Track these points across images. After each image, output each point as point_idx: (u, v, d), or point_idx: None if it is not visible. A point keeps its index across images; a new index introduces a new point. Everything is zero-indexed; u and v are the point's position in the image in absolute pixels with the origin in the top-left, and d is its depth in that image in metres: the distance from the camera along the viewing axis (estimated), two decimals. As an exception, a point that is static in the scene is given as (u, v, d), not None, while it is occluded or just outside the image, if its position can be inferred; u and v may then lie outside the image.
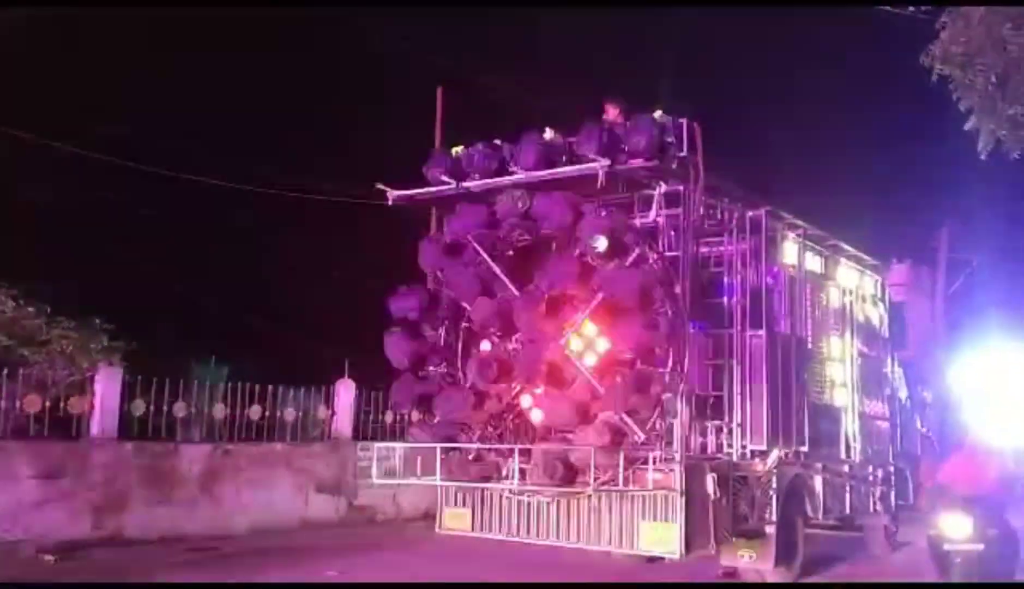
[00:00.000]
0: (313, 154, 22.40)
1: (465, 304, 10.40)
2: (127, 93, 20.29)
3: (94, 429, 12.85)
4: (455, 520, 10.59)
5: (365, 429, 15.96)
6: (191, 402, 13.81)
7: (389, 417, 16.12)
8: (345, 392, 15.79)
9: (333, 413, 15.63)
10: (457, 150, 10.68)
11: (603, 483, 8.92)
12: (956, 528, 9.07)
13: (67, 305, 13.71)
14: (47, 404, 12.51)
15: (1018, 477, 11.23)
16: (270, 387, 14.53)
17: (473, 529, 10.46)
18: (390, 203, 10.76)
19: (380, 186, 10.65)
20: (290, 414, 14.87)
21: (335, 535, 14.05)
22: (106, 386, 12.99)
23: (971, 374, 20.14)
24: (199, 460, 13.54)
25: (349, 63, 23.02)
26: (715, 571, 10.84)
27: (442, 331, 10.73)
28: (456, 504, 10.58)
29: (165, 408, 13.51)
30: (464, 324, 10.70)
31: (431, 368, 10.64)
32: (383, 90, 23.60)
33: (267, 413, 14.61)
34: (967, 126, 9.52)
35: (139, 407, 13.20)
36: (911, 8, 10.50)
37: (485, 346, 10.38)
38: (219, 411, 14.02)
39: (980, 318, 23.73)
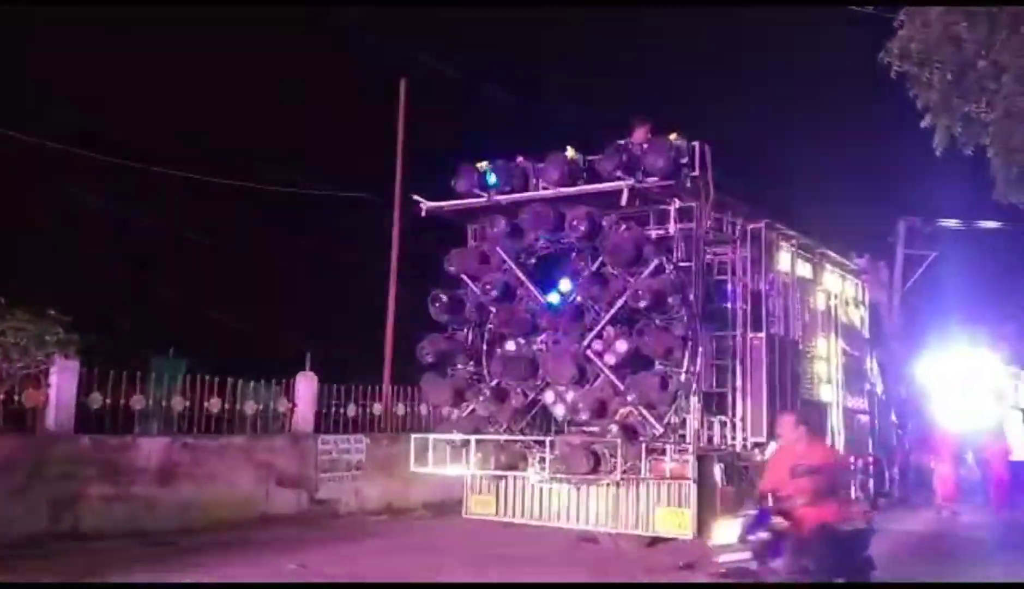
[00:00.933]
0: (274, 147, 22.51)
1: (492, 307, 11.26)
2: (78, 81, 20.28)
3: (49, 422, 12.42)
4: (481, 506, 11.46)
5: (327, 422, 15.54)
6: (149, 395, 13.36)
7: (352, 410, 15.78)
8: (306, 385, 15.37)
9: (294, 406, 15.17)
10: (481, 165, 11.52)
11: (625, 472, 9.85)
12: (721, 534, 8.24)
13: (21, 296, 12.99)
14: (0, 397, 12.09)
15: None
16: (229, 380, 14.05)
17: (497, 514, 11.35)
18: (423, 214, 11.58)
19: (415, 196, 11.46)
20: (250, 407, 14.45)
21: (296, 529, 13.58)
22: (62, 379, 12.55)
23: (930, 368, 21.33)
24: (157, 454, 13.05)
25: (307, 55, 23.42)
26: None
27: (468, 332, 11.57)
28: (482, 491, 11.44)
29: (123, 401, 13.01)
30: (489, 326, 11.55)
31: (459, 367, 11.48)
32: (346, 84, 23.79)
33: (227, 406, 14.11)
34: (923, 123, 9.54)
35: (96, 400, 12.73)
36: (871, 8, 10.32)
37: (510, 346, 11.26)
38: (178, 404, 13.59)
39: (937, 312, 24.90)
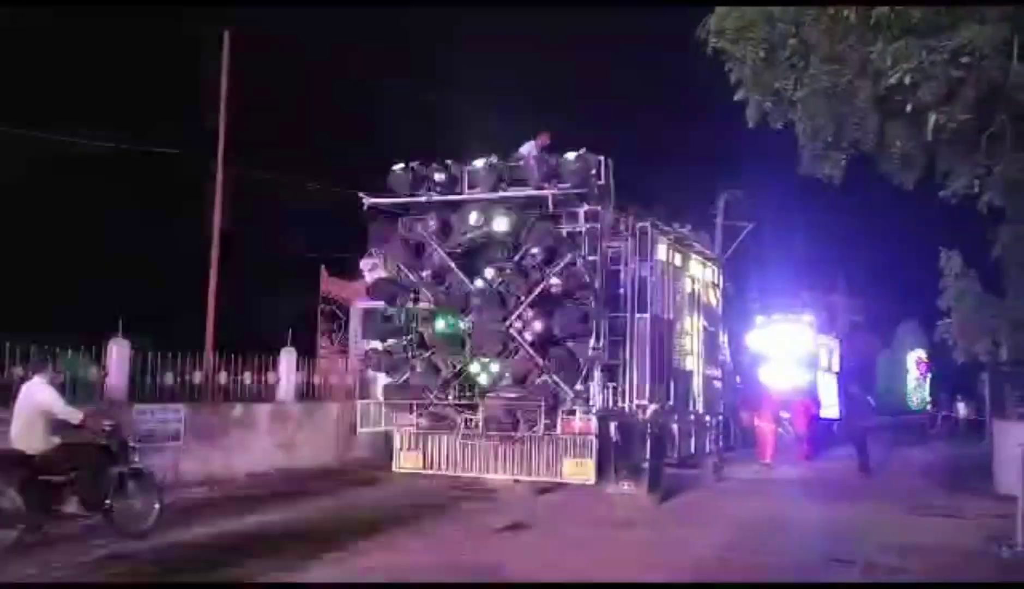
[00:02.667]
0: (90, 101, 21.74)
1: (425, 290, 13.11)
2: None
3: None
4: (410, 461, 13.34)
5: (142, 390, 14.68)
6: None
7: (169, 379, 15.09)
8: (118, 352, 14.44)
9: (106, 374, 14.30)
10: (413, 164, 13.30)
11: (546, 429, 11.98)
12: None
13: None
14: None
15: None
16: (33, 347, 12.46)
17: (424, 467, 13.27)
18: (365, 208, 13.27)
19: (360, 193, 13.13)
20: (57, 375, 13.19)
21: None
22: None
23: (756, 334, 24.48)
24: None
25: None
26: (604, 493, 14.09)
27: (403, 312, 13.37)
28: (410, 448, 13.31)
29: None
30: (420, 306, 13.38)
31: (393, 341, 13.29)
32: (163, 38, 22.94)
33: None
34: (736, 97, 9.84)
35: None
36: None
37: (439, 324, 13.15)
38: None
39: (756, 280, 27.96)
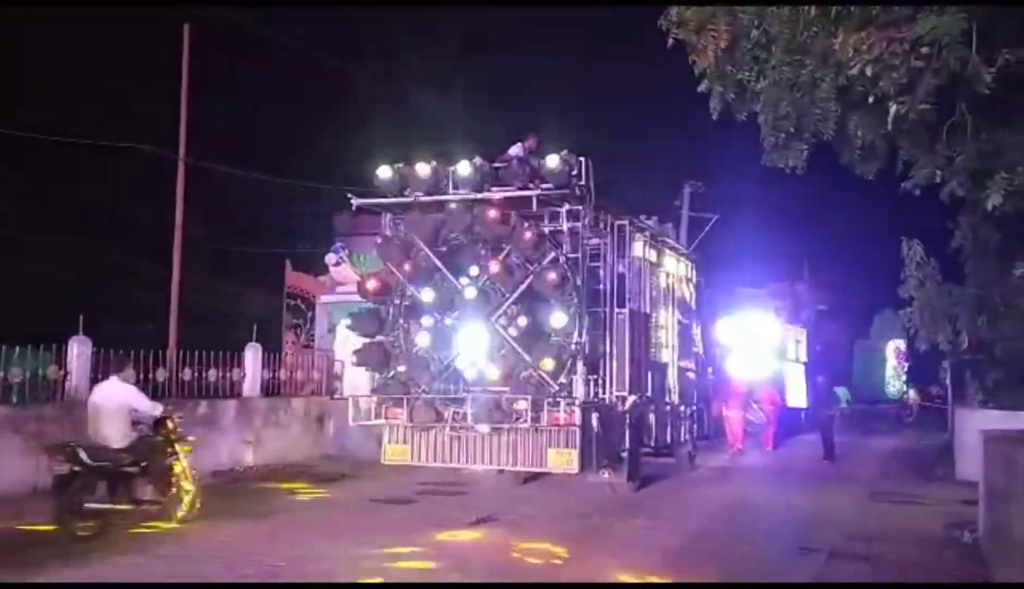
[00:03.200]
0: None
1: (412, 288, 13.52)
2: None
3: None
4: (397, 454, 13.74)
5: None
6: None
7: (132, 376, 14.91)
8: (80, 350, 14.36)
9: (67, 373, 14.13)
10: (398, 166, 13.70)
11: (533, 421, 12.46)
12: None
13: None
14: None
15: None
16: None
17: (412, 459, 13.69)
18: (354, 208, 13.66)
19: (348, 194, 13.52)
20: (16, 375, 13.47)
21: None
22: None
23: (724, 325, 25.11)
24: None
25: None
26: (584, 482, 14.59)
27: (391, 309, 13.77)
28: (398, 441, 13.72)
29: None
30: (407, 303, 13.78)
31: (383, 337, 13.70)
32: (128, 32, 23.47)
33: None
34: (700, 88, 9.75)
35: None
36: None
37: (427, 320, 13.57)
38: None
39: (721, 271, 28.49)
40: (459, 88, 29.02)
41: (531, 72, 32.07)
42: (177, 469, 11.27)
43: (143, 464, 10.93)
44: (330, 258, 21.65)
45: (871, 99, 8.75)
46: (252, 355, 17.80)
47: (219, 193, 23.14)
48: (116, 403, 11.00)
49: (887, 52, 8.34)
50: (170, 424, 11.35)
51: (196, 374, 16.31)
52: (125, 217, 23.27)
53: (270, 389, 18.28)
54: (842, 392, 31.69)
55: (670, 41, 9.50)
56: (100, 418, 10.90)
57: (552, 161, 12.88)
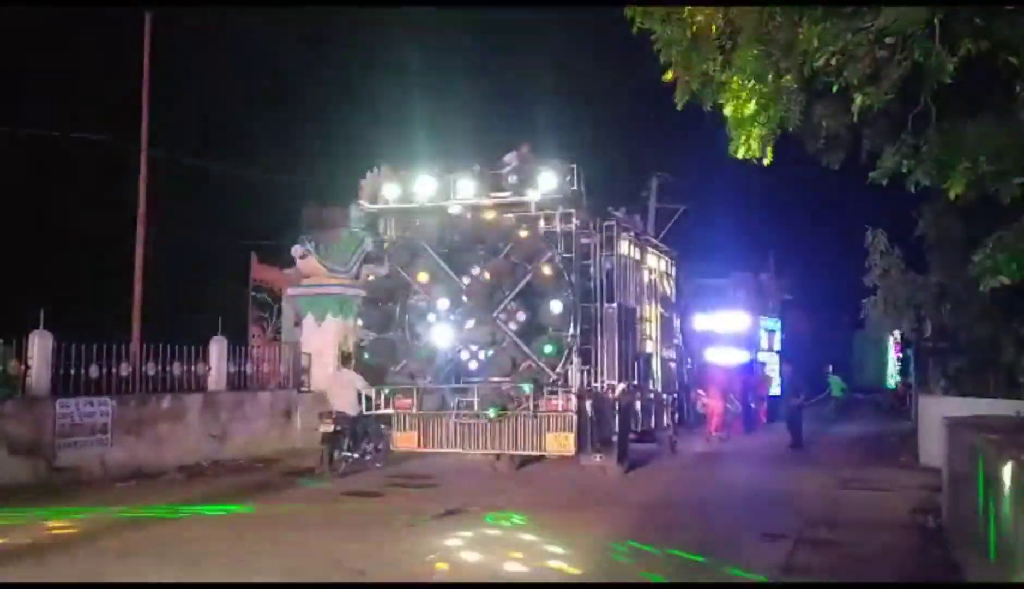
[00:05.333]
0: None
1: (417, 286, 14.56)
2: None
3: None
4: (406, 441, 14.79)
5: (66, 384, 14.46)
6: None
7: (95, 371, 14.88)
8: (41, 344, 14.25)
9: (27, 368, 14.06)
10: (401, 173, 14.73)
11: (535, 408, 13.56)
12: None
13: None
14: None
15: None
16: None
17: (420, 446, 14.74)
18: (363, 212, 14.67)
19: (359, 199, 14.52)
20: None
21: (30, 499, 12.46)
22: None
23: (702, 316, 26.17)
24: None
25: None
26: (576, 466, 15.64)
27: (398, 306, 14.80)
28: (407, 429, 14.76)
29: None
30: (412, 300, 14.81)
31: (391, 333, 14.73)
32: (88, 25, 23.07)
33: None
34: (665, 78, 9.69)
35: None
36: None
37: (431, 317, 14.61)
38: None
39: (688, 260, 29.40)
40: (420, 84, 29.39)
41: (497, 65, 32.54)
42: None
43: (365, 427, 15.79)
44: (296, 250, 21.14)
45: (836, 89, 8.98)
46: (217, 348, 17.65)
47: (183, 185, 23.08)
48: (351, 385, 15.42)
49: (852, 42, 8.43)
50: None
51: (160, 368, 16.19)
52: (87, 210, 22.88)
53: (236, 382, 18.14)
54: (835, 381, 33.09)
55: (635, 29, 9.49)
56: (342, 395, 15.49)
57: (547, 167, 14.01)
